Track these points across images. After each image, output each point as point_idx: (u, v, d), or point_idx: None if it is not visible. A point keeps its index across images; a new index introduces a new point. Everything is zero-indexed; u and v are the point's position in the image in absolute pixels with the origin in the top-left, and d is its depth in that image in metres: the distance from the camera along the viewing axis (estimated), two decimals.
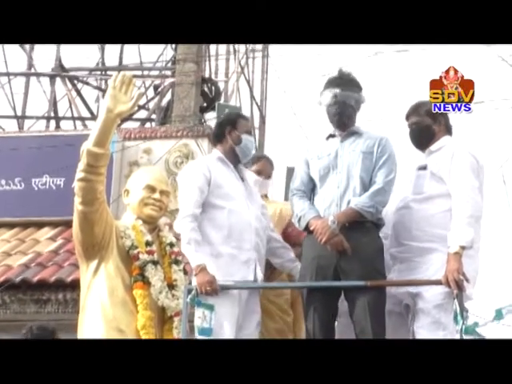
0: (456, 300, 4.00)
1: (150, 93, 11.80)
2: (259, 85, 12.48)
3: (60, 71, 11.40)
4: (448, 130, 4.55)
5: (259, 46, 12.06)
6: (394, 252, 4.42)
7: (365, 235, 4.26)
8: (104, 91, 10.11)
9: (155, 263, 4.16)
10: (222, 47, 11.41)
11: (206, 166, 4.51)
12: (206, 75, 10.97)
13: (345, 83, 4.45)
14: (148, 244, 4.20)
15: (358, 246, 4.21)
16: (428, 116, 4.51)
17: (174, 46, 11.28)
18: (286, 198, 10.50)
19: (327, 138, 4.52)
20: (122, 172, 9.35)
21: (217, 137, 4.70)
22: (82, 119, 11.69)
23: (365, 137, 4.44)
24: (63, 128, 11.35)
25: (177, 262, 4.30)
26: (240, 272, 4.37)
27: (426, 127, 4.52)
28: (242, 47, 11.53)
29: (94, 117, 11.24)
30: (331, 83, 4.46)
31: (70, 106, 11.78)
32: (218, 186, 4.45)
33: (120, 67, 11.48)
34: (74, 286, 7.14)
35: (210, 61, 11.33)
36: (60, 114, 11.96)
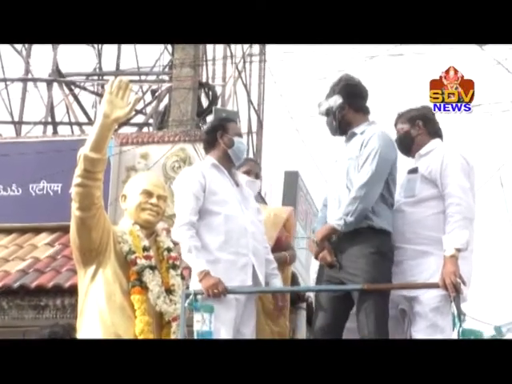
0: (453, 303, 4.00)
1: (148, 97, 11.84)
2: (257, 89, 12.50)
3: (57, 76, 11.42)
4: (434, 134, 4.55)
5: (256, 51, 12.07)
6: None
7: (357, 243, 4.24)
8: (101, 96, 10.12)
9: (153, 268, 4.15)
10: (219, 52, 11.42)
11: (200, 173, 4.51)
12: (204, 80, 10.99)
13: (328, 92, 4.51)
14: (145, 249, 4.19)
15: (350, 255, 4.23)
16: (407, 122, 4.53)
17: (171, 50, 11.30)
18: (284, 202, 10.57)
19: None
20: (120, 177, 9.35)
21: (209, 143, 4.71)
22: (80, 124, 11.71)
23: (358, 138, 4.42)
24: (60, 133, 11.38)
25: (174, 267, 4.29)
26: (238, 277, 4.37)
27: (405, 133, 4.56)
28: (239, 51, 11.54)
29: (91, 122, 11.25)
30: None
31: (68, 112, 11.80)
32: (213, 192, 4.46)
33: (117, 72, 11.51)
34: (72, 291, 7.12)
35: (207, 65, 11.34)
36: (57, 120, 11.98)
